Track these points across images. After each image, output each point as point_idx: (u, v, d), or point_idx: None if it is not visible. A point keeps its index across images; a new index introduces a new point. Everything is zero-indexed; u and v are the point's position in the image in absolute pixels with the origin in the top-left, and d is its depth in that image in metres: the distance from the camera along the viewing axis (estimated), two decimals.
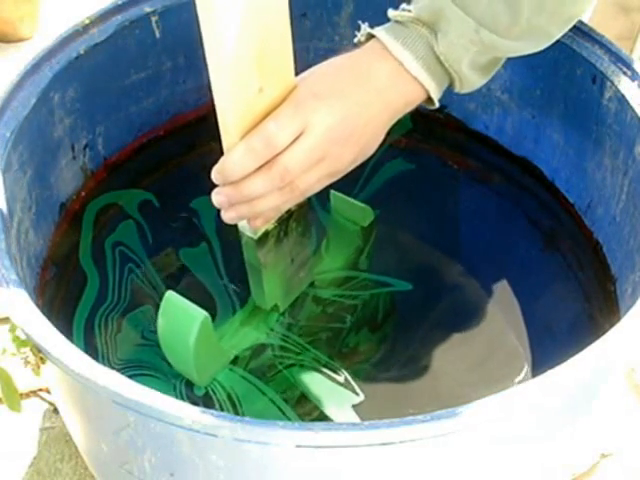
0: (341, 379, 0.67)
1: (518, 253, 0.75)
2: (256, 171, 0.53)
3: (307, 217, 0.66)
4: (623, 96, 0.60)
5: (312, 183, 0.55)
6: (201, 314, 0.60)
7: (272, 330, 0.68)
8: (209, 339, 0.61)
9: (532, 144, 0.72)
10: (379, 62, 0.55)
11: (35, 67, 0.63)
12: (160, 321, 0.61)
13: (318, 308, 0.71)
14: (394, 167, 0.79)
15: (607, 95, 0.62)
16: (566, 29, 0.56)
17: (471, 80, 0.57)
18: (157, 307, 0.70)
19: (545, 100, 0.69)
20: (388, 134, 0.58)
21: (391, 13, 0.56)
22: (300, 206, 0.63)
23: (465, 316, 0.73)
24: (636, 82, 0.60)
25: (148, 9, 0.69)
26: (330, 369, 0.67)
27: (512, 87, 0.71)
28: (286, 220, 0.63)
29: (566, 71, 0.65)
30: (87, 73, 0.67)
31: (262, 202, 0.55)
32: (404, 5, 0.56)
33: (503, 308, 0.74)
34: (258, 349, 0.67)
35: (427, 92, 0.56)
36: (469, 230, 0.78)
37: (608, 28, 0.72)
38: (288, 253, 0.66)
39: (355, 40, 0.58)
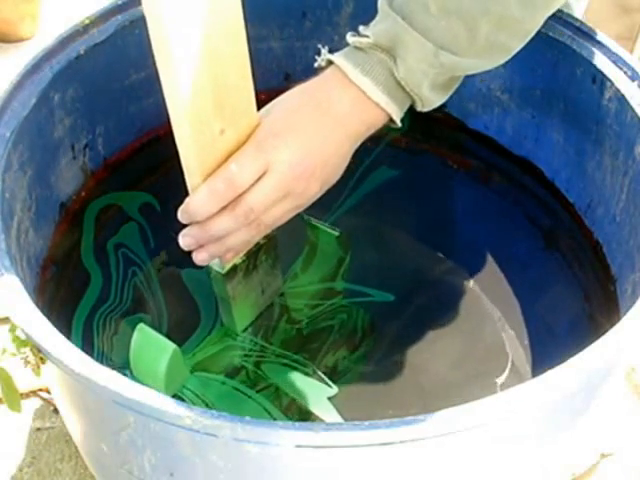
0: (320, 378, 0.67)
1: (518, 253, 0.75)
2: (221, 210, 0.54)
3: (276, 249, 0.66)
4: (623, 96, 0.60)
5: (278, 217, 0.56)
6: (171, 347, 0.61)
7: (246, 355, 0.69)
8: (178, 368, 0.63)
9: (532, 144, 0.72)
10: (339, 89, 0.55)
11: (35, 67, 0.63)
12: (132, 352, 0.63)
13: (292, 330, 0.71)
14: (384, 173, 0.79)
15: (607, 95, 0.62)
16: (525, 42, 0.56)
17: (432, 100, 0.57)
18: (154, 313, 0.71)
19: (545, 100, 0.69)
20: (386, 133, 0.58)
21: (350, 39, 0.56)
22: (269, 238, 0.63)
23: (464, 316, 0.73)
24: (636, 82, 0.60)
25: None
26: (306, 367, 0.68)
27: (512, 87, 0.71)
28: (255, 253, 0.63)
29: (566, 71, 0.65)
30: (87, 73, 0.67)
31: (230, 239, 0.56)
32: (362, 29, 0.56)
33: (503, 308, 0.74)
34: (232, 371, 0.68)
35: (389, 115, 0.56)
36: (469, 230, 0.78)
37: (608, 28, 0.72)
38: (258, 284, 0.66)
39: (315, 65, 0.58)
